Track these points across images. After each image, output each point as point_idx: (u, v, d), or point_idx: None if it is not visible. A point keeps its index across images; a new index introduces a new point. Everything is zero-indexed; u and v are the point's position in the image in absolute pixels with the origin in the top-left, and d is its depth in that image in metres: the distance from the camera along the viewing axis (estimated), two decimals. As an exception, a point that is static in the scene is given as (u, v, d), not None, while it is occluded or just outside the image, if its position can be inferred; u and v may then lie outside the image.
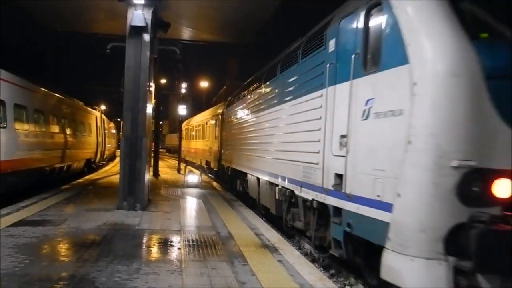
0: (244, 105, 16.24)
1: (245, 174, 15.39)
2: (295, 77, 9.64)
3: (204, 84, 62.38)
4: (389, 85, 5.74)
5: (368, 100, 6.17)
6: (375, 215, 5.84)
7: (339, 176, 7.00)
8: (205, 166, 29.17)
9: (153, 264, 7.58)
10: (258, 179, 13.18)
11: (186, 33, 18.97)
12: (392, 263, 5.40)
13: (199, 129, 34.42)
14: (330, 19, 8.11)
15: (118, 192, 13.12)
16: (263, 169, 12.17)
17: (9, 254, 7.78)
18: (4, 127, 14.06)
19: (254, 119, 14.19)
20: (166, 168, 34.13)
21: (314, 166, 8.00)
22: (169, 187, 20.31)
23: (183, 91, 32.59)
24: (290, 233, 11.10)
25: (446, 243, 5.09)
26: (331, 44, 7.60)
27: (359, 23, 6.64)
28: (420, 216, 5.16)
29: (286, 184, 9.84)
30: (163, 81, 34.18)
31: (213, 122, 27.80)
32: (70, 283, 6.48)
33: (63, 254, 8.06)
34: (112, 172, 27.90)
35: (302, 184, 8.72)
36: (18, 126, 15.30)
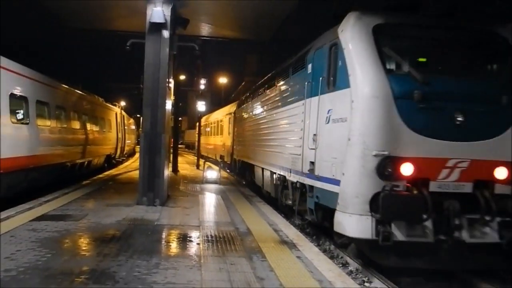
0: (251, 107, 19.56)
1: (252, 165, 18.56)
2: (288, 88, 12.70)
3: (223, 80, 62.49)
4: (340, 101, 8.72)
5: (329, 110, 9.18)
6: (331, 189, 8.86)
7: (312, 163, 9.94)
8: (219, 160, 32.19)
9: (172, 259, 7.63)
10: (262, 169, 16.11)
11: (205, 30, 18.98)
12: (339, 219, 8.42)
13: (214, 126, 37.54)
14: (309, 48, 10.92)
15: (137, 188, 13.21)
16: (266, 161, 15.16)
17: (32, 248, 7.90)
18: (27, 123, 14.24)
19: (258, 119, 17.30)
20: (185, 164, 34.28)
21: (298, 156, 10.93)
22: (188, 182, 20.40)
23: (202, 87, 32.66)
24: (283, 210, 13.82)
25: (370, 204, 8.06)
26: (309, 67, 10.55)
27: (325, 54, 9.54)
28: (354, 187, 8.21)
29: (280, 171, 12.95)
30: (182, 77, 34.23)
31: (227, 119, 31.02)
32: (91, 277, 6.56)
33: (84, 248, 8.16)
34: (131, 167, 28.11)
35: (290, 170, 11.75)
36: (40, 122, 15.47)
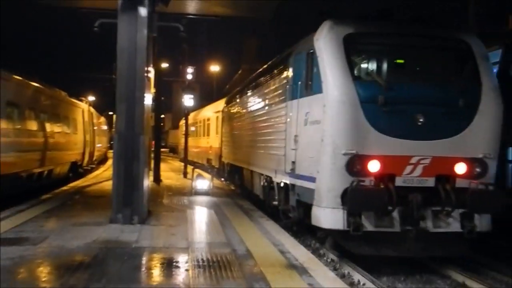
0: (239, 105, 22.39)
1: (241, 169, 21.60)
2: (274, 88, 15.35)
3: (214, 68, 62.54)
4: (315, 105, 11.49)
5: (306, 113, 11.99)
6: (309, 186, 11.60)
7: (293, 163, 12.71)
8: (206, 164, 35.48)
9: (155, 290, 7.61)
10: (251, 172, 18.90)
11: (192, 6, 18.97)
12: (315, 213, 11.23)
13: (200, 126, 40.63)
14: (291, 51, 13.57)
15: (111, 202, 13.19)
16: (254, 163, 17.96)
17: (-21, 279, 7.86)
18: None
19: (246, 119, 19.96)
20: (170, 172, 34.22)
21: (282, 157, 13.66)
22: (173, 195, 20.42)
23: (189, 77, 32.73)
24: (270, 211, 16.07)
25: (341, 198, 10.79)
26: (290, 70, 13.40)
27: (303, 60, 12.32)
28: (327, 183, 10.99)
29: (267, 172, 15.72)
30: (165, 65, 34.35)
31: (214, 118, 33.59)
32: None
33: (44, 279, 8.12)
34: (103, 177, 28.15)
35: (276, 171, 14.46)
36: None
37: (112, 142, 14.19)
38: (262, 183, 17.13)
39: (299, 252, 10.31)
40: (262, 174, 16.86)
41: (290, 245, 11.01)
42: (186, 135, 32.93)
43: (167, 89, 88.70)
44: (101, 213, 14.23)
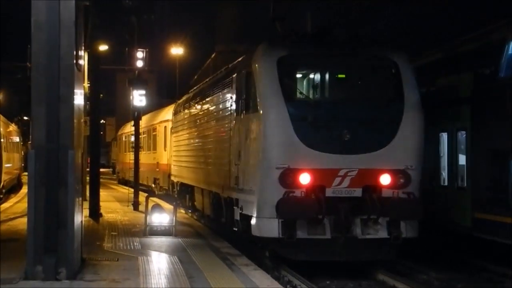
0: (188, 116, 29.14)
1: (192, 187, 28.23)
2: (220, 103, 21.48)
3: (177, 51, 62.44)
4: (253, 122, 17.40)
5: (246, 129, 17.76)
6: (250, 199, 17.29)
7: (237, 178, 18.14)
8: (153, 185, 40.83)
9: None
10: (202, 190, 25.37)
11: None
12: (254, 223, 17.06)
13: (145, 138, 44.46)
14: (234, 68, 19.34)
15: (26, 249, 13.08)
16: (204, 180, 24.27)
17: None
18: None
19: (195, 132, 26.91)
20: (114, 202, 34.24)
21: (227, 172, 19.30)
22: (119, 235, 20.63)
23: (140, 64, 32.59)
24: (217, 229, 22.67)
25: (276, 208, 16.65)
26: (233, 87, 19.00)
27: (243, 80, 18.16)
28: (263, 195, 17.00)
29: (215, 189, 21.72)
30: (104, 48, 34.22)
31: (162, 129, 37.65)
32: None
33: None
34: (15, 212, 28.06)
35: (223, 187, 20.20)
36: None
37: (28, 161, 14.05)
38: (211, 201, 23.83)
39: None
40: (211, 191, 23.50)
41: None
42: (137, 147, 32.90)
43: (109, 82, 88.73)
44: (11, 265, 14.12)
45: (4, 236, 19.91)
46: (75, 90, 13.40)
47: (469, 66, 21.78)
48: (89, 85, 29.16)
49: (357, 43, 18.46)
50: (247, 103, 18.31)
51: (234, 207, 19.17)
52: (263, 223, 16.95)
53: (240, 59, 20.97)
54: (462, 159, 21.13)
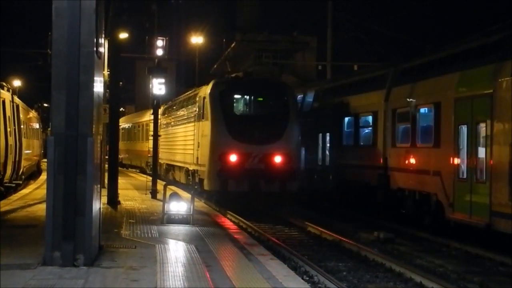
0: (171, 117, 45.74)
1: (173, 166, 42.72)
2: (190, 111, 37.73)
3: (197, 40, 62.45)
4: (205, 126, 33.14)
5: (202, 130, 33.71)
6: (204, 169, 32.92)
7: (197, 158, 34.27)
8: (145, 166, 55.97)
9: None
10: (180, 167, 39.95)
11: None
12: (205, 183, 32.35)
13: (138, 130, 62.02)
14: (197, 93, 36.37)
15: (44, 235, 13.12)
16: (182, 160, 38.93)
17: None
18: None
19: (175, 128, 42.98)
20: (132, 190, 34.29)
21: (193, 155, 35.35)
22: (137, 223, 20.62)
23: (160, 53, 32.59)
24: (191, 189, 31.70)
25: (217, 174, 31.76)
26: (196, 105, 35.72)
27: (201, 101, 34.26)
28: (210, 167, 31.91)
29: (187, 166, 37.26)
30: (124, 36, 34.23)
31: (152, 125, 48.52)
32: None
33: None
34: (34, 198, 28.20)
35: (190, 164, 36.12)
36: None
37: (47, 147, 14.07)
38: (184, 173, 37.99)
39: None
40: (184, 167, 38.12)
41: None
42: (156, 135, 33.06)
43: (129, 70, 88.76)
44: (30, 251, 14.20)
45: (23, 222, 20.06)
46: (95, 78, 13.43)
47: None
48: (109, 72, 29.21)
49: (265, 81, 38.43)
50: (203, 115, 33.05)
51: (196, 175, 34.21)
52: (210, 182, 31.23)
53: (201, 87, 35.97)
54: None
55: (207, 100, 31.88)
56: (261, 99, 33.17)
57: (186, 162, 36.80)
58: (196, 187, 33.06)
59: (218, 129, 30.83)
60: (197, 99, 34.67)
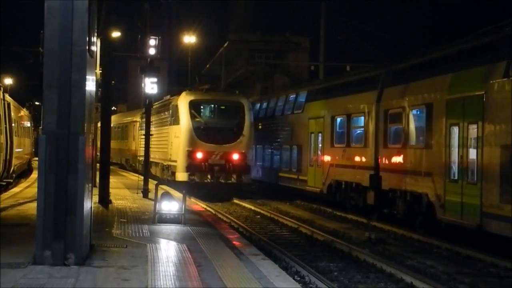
0: (151, 120, 46.42)
1: (151, 162, 42.23)
2: (166, 116, 47.04)
3: (189, 40, 62.48)
4: (177, 129, 42.96)
5: (175, 132, 43.50)
6: (175, 164, 42.71)
7: (170, 155, 44.62)
8: (125, 163, 64.46)
9: None
10: (156, 163, 48.42)
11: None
12: (177, 175, 42.08)
13: (118, 130, 68.02)
14: (171, 101, 45.79)
15: (34, 233, 13.15)
16: (159, 157, 47.77)
17: None
18: None
19: (154, 131, 43.90)
20: (123, 189, 34.24)
21: (167, 153, 45.86)
22: (128, 222, 20.61)
23: (152, 52, 32.58)
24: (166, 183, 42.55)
25: (186, 168, 41.81)
26: (170, 111, 45.65)
27: (175, 108, 43.82)
28: (180, 162, 41.55)
29: (162, 161, 47.20)
30: (116, 35, 34.23)
31: (131, 126, 60.06)
32: None
33: None
34: (25, 197, 28.14)
35: (165, 160, 46.55)
36: None
37: (38, 146, 14.08)
38: (160, 168, 46.33)
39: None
40: (160, 163, 46.30)
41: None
42: (147, 134, 33.04)
43: (121, 69, 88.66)
44: (20, 250, 14.20)
45: (14, 220, 20.01)
46: (87, 76, 13.41)
47: None
48: (101, 71, 29.19)
49: (228, 92, 49.48)
50: (175, 119, 41.66)
51: (169, 169, 42.86)
52: (180, 175, 40.00)
53: (174, 97, 43.92)
54: None
55: (179, 107, 41.13)
56: (223, 107, 42.03)
57: (162, 158, 45.86)
58: (169, 178, 42.65)
59: (187, 132, 39.89)
60: (171, 106, 43.77)
